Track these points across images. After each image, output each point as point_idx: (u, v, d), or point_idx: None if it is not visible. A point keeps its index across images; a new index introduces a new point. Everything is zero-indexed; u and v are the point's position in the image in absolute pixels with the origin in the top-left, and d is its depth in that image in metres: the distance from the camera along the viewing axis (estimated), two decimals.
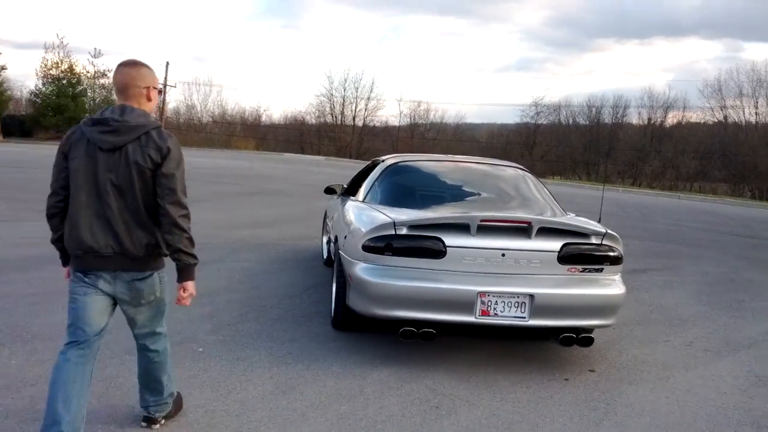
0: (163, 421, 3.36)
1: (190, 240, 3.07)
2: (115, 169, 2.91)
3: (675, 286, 7.87)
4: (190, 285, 3.14)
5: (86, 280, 3.02)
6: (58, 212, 3.03)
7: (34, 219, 9.63)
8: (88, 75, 42.27)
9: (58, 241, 3.09)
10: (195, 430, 3.34)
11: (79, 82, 41.51)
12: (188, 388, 3.82)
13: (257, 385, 3.97)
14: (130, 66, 3.04)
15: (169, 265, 3.11)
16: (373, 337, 4.95)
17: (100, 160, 2.91)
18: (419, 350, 4.74)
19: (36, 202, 11.37)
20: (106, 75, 42.87)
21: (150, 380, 3.31)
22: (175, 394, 3.46)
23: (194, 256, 3.10)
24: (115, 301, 3.13)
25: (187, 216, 3.04)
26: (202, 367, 4.18)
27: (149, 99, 3.06)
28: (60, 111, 39.05)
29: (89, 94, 42.32)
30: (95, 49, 44.80)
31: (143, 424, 3.33)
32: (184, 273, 3.11)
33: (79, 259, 2.99)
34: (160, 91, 3.21)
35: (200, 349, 4.51)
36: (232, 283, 6.47)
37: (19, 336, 4.52)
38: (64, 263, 3.19)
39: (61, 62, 41.10)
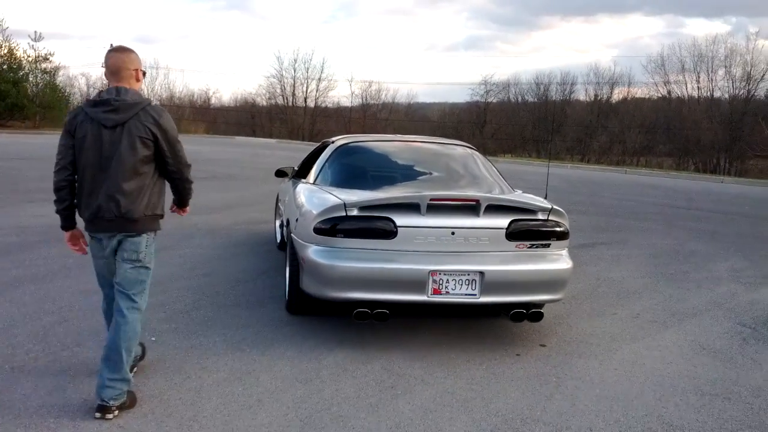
0: (116, 412, 3.35)
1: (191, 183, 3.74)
2: (118, 143, 3.35)
3: (622, 260, 8.07)
4: (186, 210, 3.93)
5: (97, 240, 3.52)
6: (67, 185, 3.48)
7: None
8: (29, 59, 40.83)
9: (65, 210, 3.53)
10: (149, 421, 3.32)
11: (20, 67, 40.06)
12: (142, 378, 3.79)
13: (212, 373, 3.96)
14: (120, 51, 3.51)
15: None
16: (328, 321, 4.97)
17: (104, 137, 3.35)
18: (374, 332, 4.78)
19: None
20: (47, 59, 41.49)
21: (113, 351, 3.41)
22: (130, 386, 3.48)
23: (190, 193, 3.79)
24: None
25: (185, 177, 3.66)
26: (156, 357, 4.14)
27: (137, 80, 3.54)
28: (1, 98, 37.68)
29: (31, 79, 40.90)
30: (36, 32, 42.94)
31: (97, 414, 3.32)
32: (184, 202, 3.85)
33: (90, 222, 3.46)
34: (144, 73, 3.66)
35: (153, 338, 4.46)
36: (184, 270, 6.40)
37: None
38: (67, 227, 3.62)
39: (1, 47, 39.63)
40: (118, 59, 3.46)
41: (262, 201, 11.53)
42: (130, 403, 3.45)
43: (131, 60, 3.49)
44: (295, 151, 29.68)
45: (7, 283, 5.61)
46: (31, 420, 3.25)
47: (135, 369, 3.77)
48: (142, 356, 3.97)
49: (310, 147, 6.49)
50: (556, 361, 4.45)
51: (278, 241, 7.44)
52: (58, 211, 3.55)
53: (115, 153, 3.35)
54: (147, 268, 3.56)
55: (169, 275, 6.12)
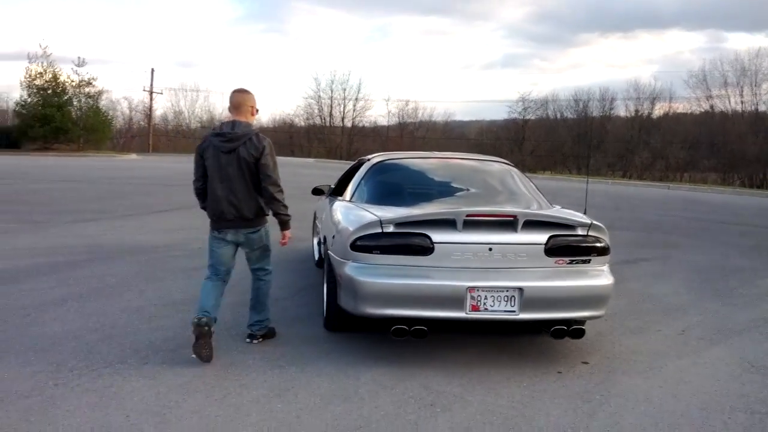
0: (260, 339, 4.84)
1: (284, 206, 4.68)
2: (232, 164, 4.53)
3: (666, 276, 7.91)
4: (287, 232, 4.79)
5: (218, 235, 4.72)
6: (202, 192, 4.77)
7: (26, 230, 9.62)
8: (73, 84, 41.92)
9: (204, 209, 4.82)
10: None
11: (64, 91, 41.09)
12: (182, 395, 3.83)
13: (251, 390, 3.97)
14: (242, 92, 4.71)
15: None
16: (365, 337, 4.96)
17: (222, 159, 4.54)
18: (412, 348, 4.75)
19: (25, 212, 11.40)
20: (91, 84, 42.55)
21: (257, 302, 4.88)
22: (270, 325, 4.96)
23: (288, 215, 4.71)
24: (237, 247, 4.77)
25: (280, 190, 4.64)
26: (196, 373, 4.18)
27: (252, 114, 4.72)
28: (46, 121, 38.66)
29: (75, 103, 41.97)
30: (79, 57, 44.32)
31: (247, 339, 4.84)
32: (283, 225, 4.74)
33: (215, 221, 4.69)
34: (258, 110, 4.82)
35: (193, 356, 4.50)
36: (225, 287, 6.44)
37: (12, 348, 4.50)
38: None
39: (45, 72, 40.70)
40: (240, 97, 4.66)
41: (300, 219, 11.55)
42: (270, 334, 4.93)
43: (249, 99, 4.68)
44: (333, 170, 29.87)
45: (52, 301, 5.72)
46: None
47: (261, 339, 4.89)
48: (273, 334, 4.97)
49: (347, 166, 6.54)
50: (599, 378, 4.36)
51: (316, 258, 7.47)
52: (202, 207, 4.87)
53: (230, 170, 4.52)
54: (268, 246, 4.82)
55: None
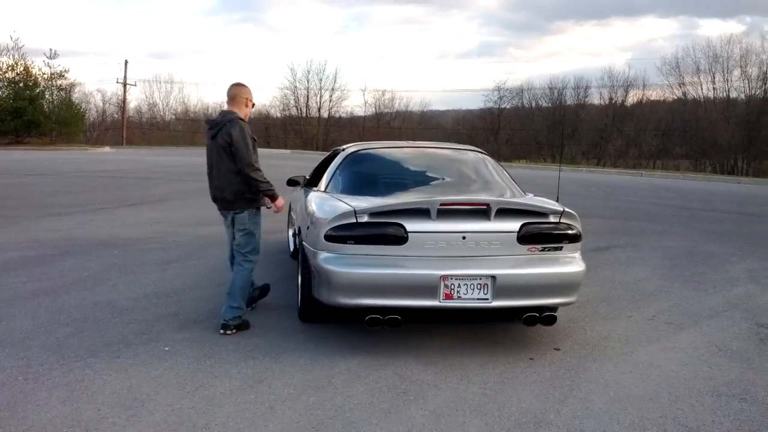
0: (234, 331, 4.82)
1: (265, 182, 4.92)
2: (214, 149, 4.93)
3: (638, 262, 8.00)
4: (278, 200, 5.09)
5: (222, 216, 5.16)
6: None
7: None
8: (45, 77, 41.29)
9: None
10: (162, 429, 3.32)
11: (36, 84, 40.48)
12: (155, 388, 3.81)
13: (224, 381, 3.96)
14: (237, 85, 5.13)
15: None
16: (340, 328, 4.97)
17: (209, 145, 4.99)
18: (386, 338, 4.77)
19: None
20: (63, 76, 41.95)
21: (231, 286, 4.96)
22: (245, 317, 4.99)
23: (271, 188, 4.98)
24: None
25: (255, 169, 4.85)
26: (169, 366, 4.16)
27: (246, 106, 5.10)
28: (18, 115, 38.04)
29: (47, 96, 41.35)
30: (51, 50, 43.53)
31: (220, 331, 4.81)
32: (271, 198, 5.02)
33: (214, 203, 5.13)
34: (253, 104, 5.23)
35: (166, 348, 4.48)
36: (198, 280, 6.43)
37: None
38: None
39: (17, 64, 40.05)
40: (235, 90, 5.08)
41: None
42: (244, 325, 4.92)
43: (243, 91, 5.10)
44: (310, 161, 29.78)
45: (23, 296, 5.66)
46: (45, 430, 3.27)
47: (254, 306, 5.37)
48: (246, 326, 4.96)
49: (323, 156, 6.51)
50: (571, 364, 4.41)
51: (291, 250, 7.45)
52: None
53: (214, 156, 4.94)
54: (252, 233, 5.03)
55: (182, 286, 6.16)
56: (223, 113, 4.99)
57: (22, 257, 7.22)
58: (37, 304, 5.41)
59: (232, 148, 4.81)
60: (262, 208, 5.14)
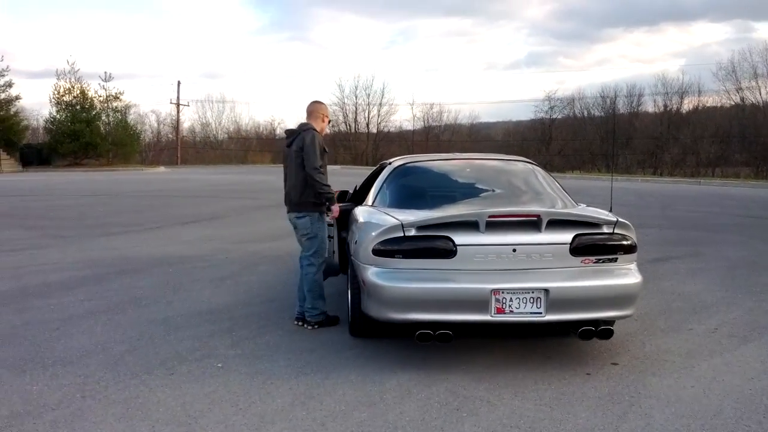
0: (315, 326, 5.31)
1: (325, 186, 5.32)
2: (290, 156, 5.44)
3: (697, 273, 7.76)
4: (335, 207, 5.49)
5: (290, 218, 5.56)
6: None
7: (54, 245, 9.75)
8: (101, 99, 42.57)
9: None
10: None
11: (92, 106, 41.73)
12: (208, 405, 3.83)
13: (276, 398, 3.96)
14: (316, 102, 5.67)
15: None
16: (390, 343, 4.92)
17: (285, 152, 5.56)
18: (437, 353, 4.70)
19: (54, 227, 11.58)
20: (118, 98, 43.16)
21: (301, 289, 5.46)
22: (326, 314, 5.43)
23: (330, 193, 5.38)
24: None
25: (320, 173, 5.29)
26: (222, 383, 4.18)
27: (323, 120, 5.60)
28: (76, 137, 39.26)
29: (103, 118, 42.58)
30: (106, 72, 44.77)
31: (298, 323, 5.41)
32: (328, 201, 5.41)
33: (286, 206, 5.56)
34: (330, 121, 5.87)
35: (219, 365, 4.51)
36: (250, 296, 6.48)
37: (40, 361, 4.55)
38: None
39: (73, 88, 41.37)
40: (313, 106, 5.62)
41: None
42: (328, 323, 5.40)
43: (320, 108, 5.63)
44: (359, 176, 29.84)
45: (80, 314, 5.78)
46: None
47: (315, 327, 5.37)
48: (333, 323, 5.43)
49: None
50: (629, 379, 4.27)
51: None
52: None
53: (290, 162, 5.43)
54: (316, 236, 5.40)
55: (235, 302, 6.21)
56: (301, 125, 5.48)
57: (79, 276, 7.40)
58: (93, 322, 5.52)
59: (303, 153, 5.27)
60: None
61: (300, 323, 5.39)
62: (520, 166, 5.84)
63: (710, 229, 11.98)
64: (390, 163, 5.98)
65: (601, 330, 4.37)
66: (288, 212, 5.51)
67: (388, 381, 4.22)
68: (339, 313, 5.58)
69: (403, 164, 5.80)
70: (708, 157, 42.55)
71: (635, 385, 4.18)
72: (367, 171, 6.52)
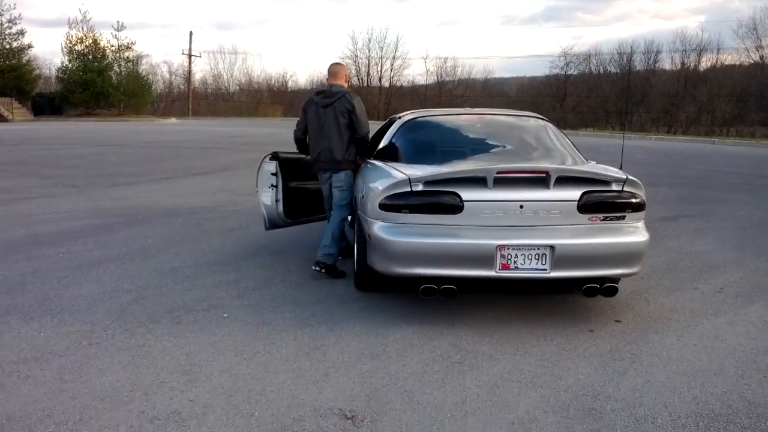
0: (322, 270, 5.42)
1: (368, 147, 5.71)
2: (329, 116, 5.52)
3: (706, 232, 7.72)
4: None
5: (319, 177, 5.74)
6: (302, 141, 5.81)
7: (65, 194, 9.82)
8: (113, 49, 42.35)
9: (301, 152, 5.95)
10: (218, 394, 3.38)
11: (104, 56, 41.58)
12: (213, 354, 3.88)
13: (280, 348, 4.00)
14: (338, 64, 5.89)
15: None
16: (395, 297, 4.95)
17: (320, 112, 5.55)
18: (441, 307, 4.73)
19: (66, 176, 11.64)
20: (130, 48, 42.95)
21: (326, 232, 5.59)
22: (336, 264, 5.54)
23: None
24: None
25: (367, 140, 5.70)
26: (227, 332, 4.23)
27: (346, 81, 5.77)
28: (87, 87, 39.23)
29: (115, 68, 42.43)
30: (118, 22, 44.87)
31: (314, 267, 5.45)
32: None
33: (314, 164, 5.67)
34: (350, 79, 6.19)
35: (225, 315, 4.55)
36: (257, 248, 6.52)
37: (48, 309, 4.61)
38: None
39: (86, 37, 41.18)
40: (336, 67, 5.80)
41: None
42: (336, 274, 5.49)
43: (344, 69, 5.84)
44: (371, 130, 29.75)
45: (90, 263, 5.83)
46: (106, 393, 3.37)
47: (322, 270, 5.46)
48: (339, 275, 5.52)
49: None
50: (632, 337, 4.29)
51: (349, 219, 7.44)
52: (300, 152, 5.98)
53: (328, 122, 5.50)
54: (348, 190, 5.59)
55: (242, 254, 6.25)
56: (334, 86, 5.63)
57: (90, 225, 7.45)
58: (102, 271, 5.57)
59: (352, 116, 5.49)
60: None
61: (319, 268, 5.44)
62: (531, 122, 5.78)
63: (722, 189, 11.88)
64: (400, 118, 5.92)
65: (606, 287, 4.37)
66: (322, 169, 5.63)
67: (392, 334, 4.25)
68: (343, 268, 5.60)
69: (413, 119, 5.74)
70: (723, 116, 41.99)
71: (637, 342, 4.19)
72: (378, 125, 6.47)
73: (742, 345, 4.18)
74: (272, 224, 6.10)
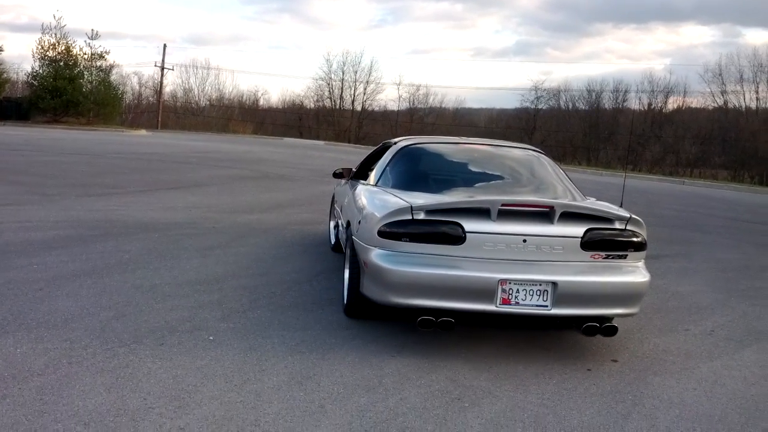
0: None
1: None
2: None
3: (690, 273, 7.73)
4: None
5: None
6: None
7: (37, 202, 9.48)
8: (85, 57, 41.62)
9: None
10: (210, 423, 3.20)
11: (76, 64, 40.82)
12: (201, 379, 3.69)
13: (272, 376, 3.82)
14: None
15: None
16: (387, 325, 4.80)
17: None
18: (437, 339, 4.59)
19: (37, 185, 11.26)
20: (103, 57, 42.26)
21: None
22: None
23: None
24: None
25: None
26: (214, 356, 4.03)
27: None
28: (58, 94, 38.41)
29: (86, 76, 41.69)
30: (92, 30, 43.73)
31: None
32: None
33: None
34: None
35: (211, 338, 4.36)
36: (239, 268, 6.31)
37: (24, 323, 4.36)
38: None
39: (58, 44, 40.40)
40: None
41: (313, 202, 11.46)
42: None
43: None
44: (343, 153, 29.70)
45: (65, 276, 5.58)
46: (90, 417, 3.16)
47: None
48: None
49: (357, 149, 6.32)
50: (630, 378, 4.20)
51: (332, 242, 7.31)
52: None
53: None
54: None
55: (224, 273, 6.04)
56: None
57: (63, 236, 7.16)
58: (79, 285, 5.32)
59: None
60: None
61: None
62: (528, 155, 5.72)
63: (699, 230, 12.00)
64: (395, 143, 5.82)
65: (606, 327, 4.29)
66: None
67: (387, 365, 4.10)
68: (330, 294, 5.44)
69: (409, 145, 5.64)
70: (688, 158, 42.88)
71: (637, 384, 4.11)
72: (350, 149, 6.42)
73: (742, 390, 4.12)
74: None
